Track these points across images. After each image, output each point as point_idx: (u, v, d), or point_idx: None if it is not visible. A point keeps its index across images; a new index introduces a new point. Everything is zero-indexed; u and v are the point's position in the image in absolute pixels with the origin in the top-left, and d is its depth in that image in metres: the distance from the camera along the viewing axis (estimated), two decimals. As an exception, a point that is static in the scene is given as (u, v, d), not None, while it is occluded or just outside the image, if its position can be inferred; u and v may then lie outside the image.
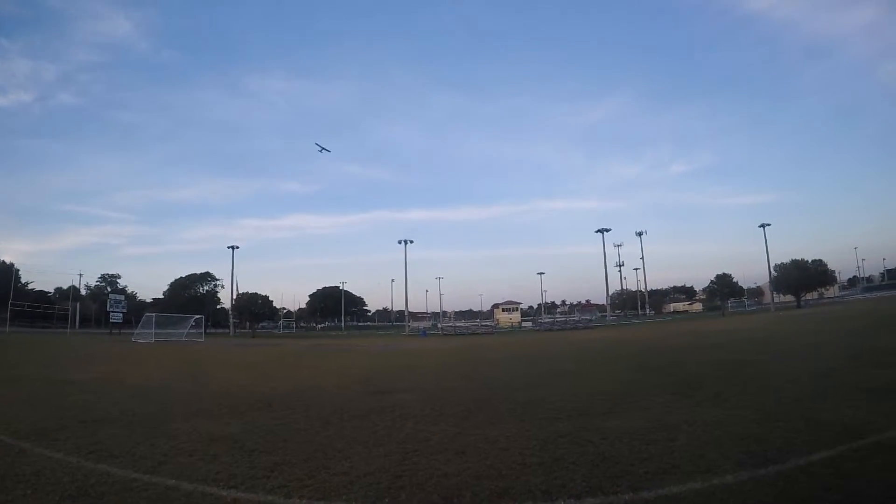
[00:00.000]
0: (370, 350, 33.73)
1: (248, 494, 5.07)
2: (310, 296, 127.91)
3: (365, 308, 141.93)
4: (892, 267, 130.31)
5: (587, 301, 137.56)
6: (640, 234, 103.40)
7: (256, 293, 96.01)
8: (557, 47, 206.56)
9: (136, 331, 52.61)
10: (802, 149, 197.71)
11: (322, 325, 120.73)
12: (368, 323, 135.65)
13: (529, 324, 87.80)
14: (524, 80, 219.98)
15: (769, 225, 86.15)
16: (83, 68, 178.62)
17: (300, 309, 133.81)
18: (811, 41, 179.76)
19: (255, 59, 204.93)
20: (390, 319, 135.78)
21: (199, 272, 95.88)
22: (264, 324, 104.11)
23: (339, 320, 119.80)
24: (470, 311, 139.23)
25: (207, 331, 66.96)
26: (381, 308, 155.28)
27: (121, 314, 72.76)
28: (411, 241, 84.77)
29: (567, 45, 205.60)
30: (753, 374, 12.47)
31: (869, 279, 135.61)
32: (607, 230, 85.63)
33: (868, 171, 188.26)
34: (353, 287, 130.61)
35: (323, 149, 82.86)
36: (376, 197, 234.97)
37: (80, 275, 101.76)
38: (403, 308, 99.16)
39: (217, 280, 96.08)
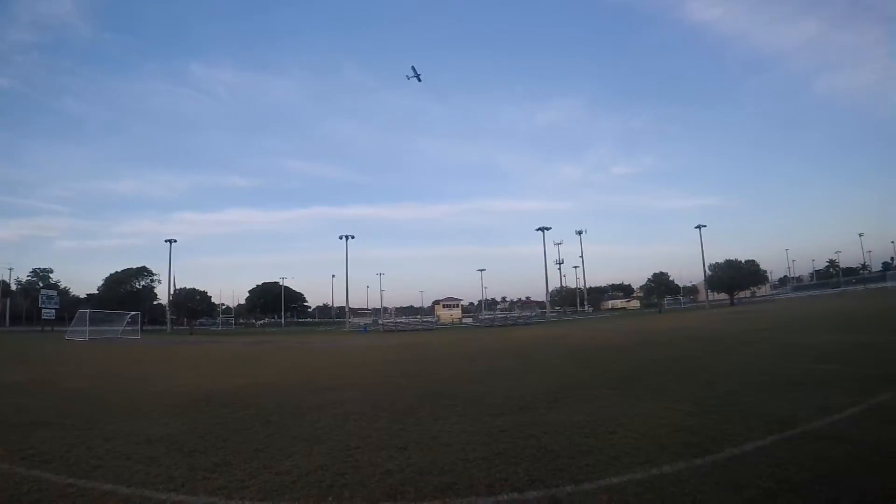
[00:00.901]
0: (311, 347, 33.58)
1: (188, 497, 5.00)
2: (249, 292, 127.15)
3: (305, 304, 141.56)
4: (821, 268, 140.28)
5: (527, 298, 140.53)
6: (580, 233, 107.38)
7: (194, 288, 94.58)
8: (508, 50, 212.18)
9: (70, 328, 49.97)
10: (740, 155, 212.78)
11: (262, 322, 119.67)
12: (309, 319, 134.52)
13: (470, 320, 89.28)
14: (474, 81, 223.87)
15: (705, 227, 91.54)
16: (17, 49, 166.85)
17: (239, 305, 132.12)
18: (754, 54, 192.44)
19: (203, 47, 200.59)
20: (331, 316, 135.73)
21: (135, 267, 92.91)
22: (202, 320, 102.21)
23: (279, 317, 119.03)
24: (411, 307, 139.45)
25: (144, 328, 64.50)
26: (321, 304, 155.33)
27: (53, 311, 69.44)
28: (352, 237, 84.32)
29: (518, 49, 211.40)
30: (689, 368, 13.10)
31: (798, 279, 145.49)
32: (548, 229, 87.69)
33: (800, 179, 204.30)
34: (293, 283, 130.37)
35: (416, 76, 79.25)
36: (319, 193, 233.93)
37: (11, 269, 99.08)
38: (344, 304, 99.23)
39: (154, 275, 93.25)
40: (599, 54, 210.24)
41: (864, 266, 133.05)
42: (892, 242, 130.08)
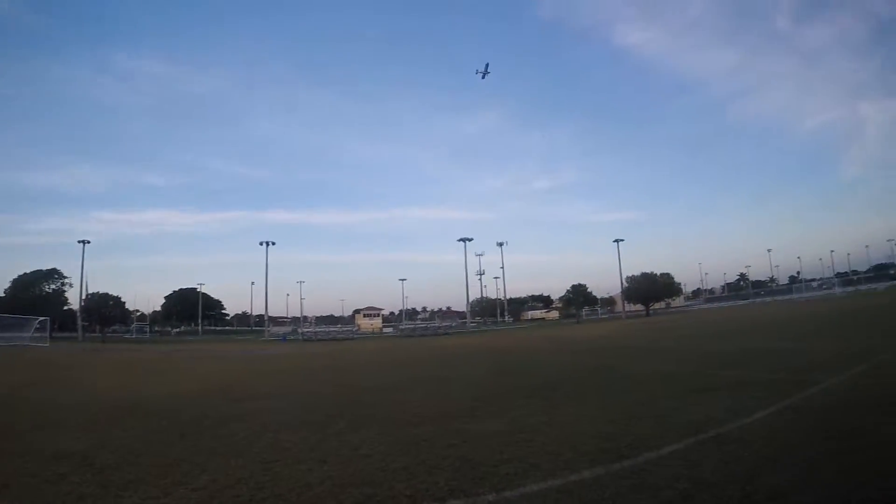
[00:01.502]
0: (229, 356, 32.95)
1: None
2: (165, 298, 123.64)
3: (223, 312, 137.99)
4: (731, 281, 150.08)
5: (448, 308, 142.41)
6: (500, 244, 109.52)
7: (108, 293, 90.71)
8: (440, 59, 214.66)
9: (-31, 335, 45.84)
10: (657, 173, 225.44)
11: (178, 330, 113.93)
12: (227, 327, 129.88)
13: (391, 330, 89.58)
14: (404, 87, 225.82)
15: (623, 240, 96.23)
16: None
17: (155, 312, 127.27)
18: (676, 78, 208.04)
19: (129, 35, 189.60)
20: (250, 324, 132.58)
21: (45, 269, 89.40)
22: (116, 327, 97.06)
23: (197, 324, 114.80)
24: (331, 316, 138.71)
25: (53, 335, 60.07)
26: (240, 312, 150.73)
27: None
28: (273, 243, 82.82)
29: (448, 59, 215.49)
30: (606, 376, 13.55)
31: (711, 291, 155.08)
32: (469, 239, 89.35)
33: (714, 197, 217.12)
34: (211, 290, 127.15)
35: (486, 72, 78.45)
36: (240, 196, 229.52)
37: None
38: (263, 312, 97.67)
39: (65, 278, 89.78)
40: (528, 69, 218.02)
41: (772, 279, 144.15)
42: (798, 258, 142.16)
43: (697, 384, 10.99)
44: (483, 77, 79.63)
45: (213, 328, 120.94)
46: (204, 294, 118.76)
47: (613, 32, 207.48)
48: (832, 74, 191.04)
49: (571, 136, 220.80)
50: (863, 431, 6.26)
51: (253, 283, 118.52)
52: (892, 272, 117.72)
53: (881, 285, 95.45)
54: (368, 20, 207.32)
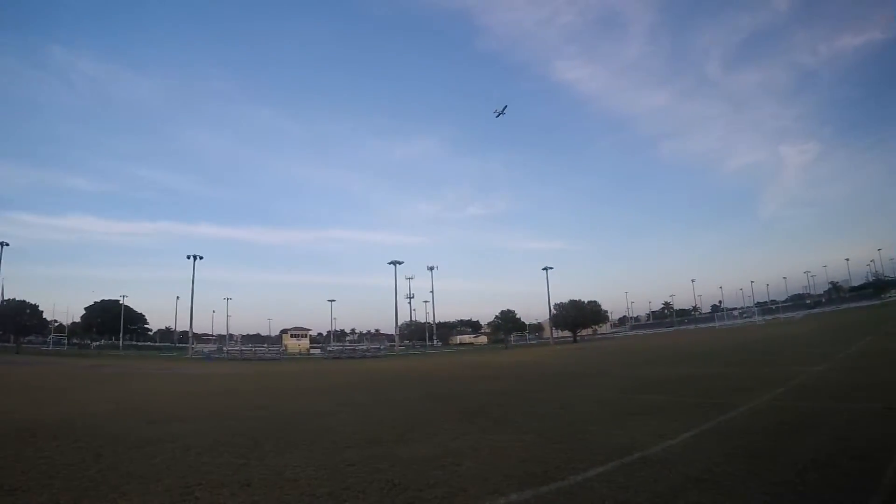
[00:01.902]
0: (150, 373, 31.67)
1: None
2: (86, 309, 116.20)
3: (146, 327, 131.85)
4: (657, 309, 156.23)
5: (377, 331, 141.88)
6: (431, 268, 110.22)
7: (25, 301, 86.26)
8: (376, 83, 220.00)
9: None
10: (587, 204, 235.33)
11: (98, 343, 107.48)
12: (149, 343, 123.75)
13: (318, 351, 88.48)
14: (342, 110, 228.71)
15: (552, 268, 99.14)
16: None
17: (74, 323, 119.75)
18: (609, 115, 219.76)
19: (66, 29, 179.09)
20: (173, 340, 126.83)
21: None
22: (31, 338, 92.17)
23: (118, 338, 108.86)
24: (258, 335, 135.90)
25: None
26: (163, 327, 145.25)
27: None
28: (201, 258, 79.87)
29: (386, 83, 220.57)
30: (533, 401, 13.71)
31: (636, 319, 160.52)
32: (400, 263, 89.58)
33: (642, 228, 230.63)
34: (134, 302, 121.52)
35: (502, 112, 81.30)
36: (169, 207, 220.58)
37: None
38: (188, 329, 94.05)
39: None
40: (465, 98, 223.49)
41: (695, 308, 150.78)
42: (720, 288, 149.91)
43: (622, 408, 11.31)
44: (497, 116, 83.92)
45: (134, 343, 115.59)
46: (126, 307, 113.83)
47: (552, 68, 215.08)
48: (756, 119, 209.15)
49: (505, 164, 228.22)
50: (779, 451, 6.56)
51: (178, 298, 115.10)
52: (807, 302, 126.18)
53: (798, 314, 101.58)
54: (309, 42, 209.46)
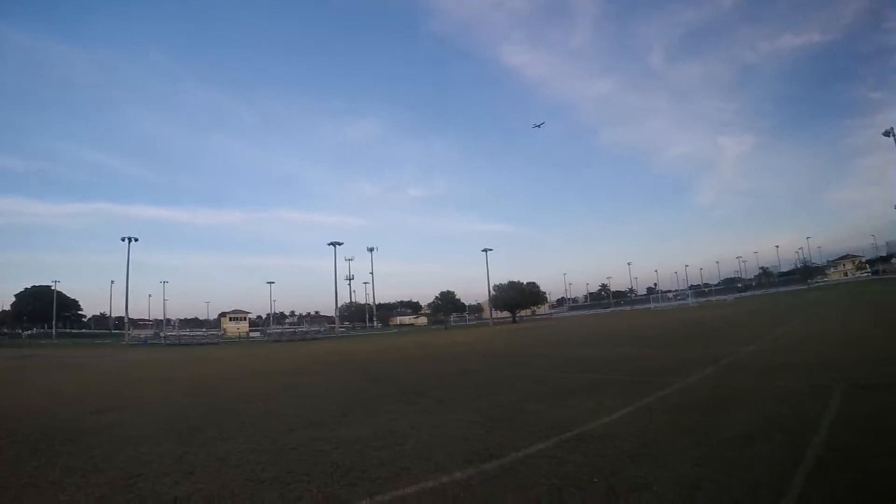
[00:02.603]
0: (85, 362, 30.64)
1: None
2: (16, 296, 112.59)
3: (80, 313, 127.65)
4: (594, 291, 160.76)
5: (317, 313, 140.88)
6: (371, 249, 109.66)
7: None
8: (323, 62, 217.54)
9: None
10: (527, 188, 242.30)
11: (29, 332, 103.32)
12: (84, 330, 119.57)
13: (258, 334, 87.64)
14: (284, 89, 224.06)
15: (491, 250, 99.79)
16: None
17: (3, 312, 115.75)
18: (552, 101, 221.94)
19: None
20: (109, 327, 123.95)
21: None
22: None
23: (50, 327, 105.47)
24: (196, 319, 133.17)
25: None
26: (98, 314, 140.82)
27: None
28: (136, 240, 76.38)
29: (332, 63, 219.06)
30: (474, 381, 13.97)
31: (574, 300, 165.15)
32: (340, 244, 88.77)
33: (581, 212, 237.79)
34: (67, 288, 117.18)
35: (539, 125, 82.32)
36: (102, 187, 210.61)
37: None
38: (123, 314, 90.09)
39: None
40: (411, 79, 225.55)
41: (631, 290, 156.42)
42: (656, 271, 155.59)
43: (560, 387, 11.65)
44: (535, 127, 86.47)
45: (68, 331, 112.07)
46: (59, 293, 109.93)
47: (499, 52, 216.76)
48: (697, 110, 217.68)
49: (448, 147, 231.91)
50: (711, 426, 6.95)
51: (113, 283, 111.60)
52: (739, 285, 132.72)
53: (730, 297, 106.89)
54: (252, 19, 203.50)
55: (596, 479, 5.12)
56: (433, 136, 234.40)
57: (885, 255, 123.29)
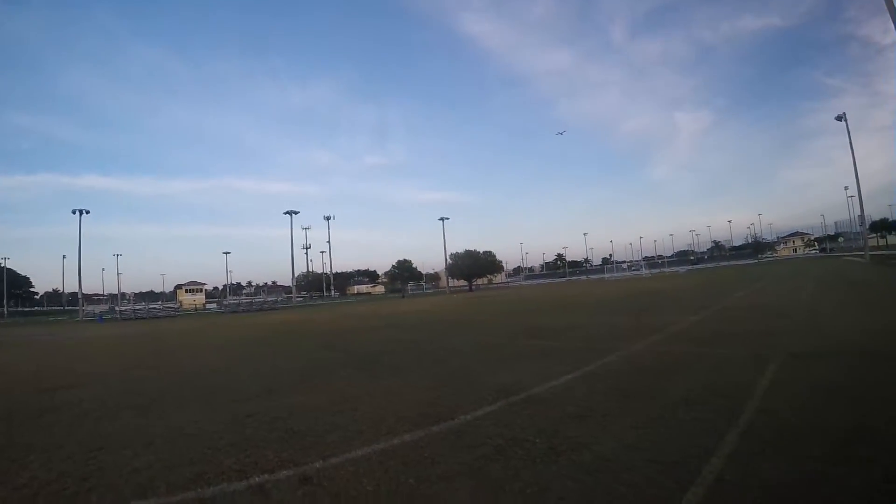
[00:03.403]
0: (39, 340, 29.83)
1: None
2: None
3: (32, 290, 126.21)
4: (550, 260, 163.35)
5: (274, 283, 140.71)
6: (328, 218, 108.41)
7: None
8: (273, 21, 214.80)
9: None
10: (484, 157, 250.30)
11: None
12: (37, 308, 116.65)
13: (215, 305, 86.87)
14: (234, 48, 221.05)
15: (448, 219, 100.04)
16: None
17: None
18: (510, 72, 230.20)
19: None
20: (62, 303, 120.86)
21: None
22: None
23: (1, 305, 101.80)
24: (151, 292, 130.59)
25: None
26: (50, 290, 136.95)
27: None
28: (87, 212, 73.55)
29: (282, 23, 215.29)
30: (427, 349, 14.26)
31: (531, 269, 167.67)
32: (296, 213, 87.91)
33: (538, 182, 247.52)
34: (16, 265, 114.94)
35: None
36: (48, 157, 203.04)
37: None
38: (77, 290, 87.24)
39: None
40: (366, 43, 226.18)
41: (586, 260, 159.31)
42: (611, 242, 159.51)
43: (511, 353, 12.08)
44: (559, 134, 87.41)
45: (20, 309, 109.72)
46: (9, 271, 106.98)
47: (457, 20, 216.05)
48: (654, 86, 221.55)
49: (405, 115, 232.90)
50: (653, 390, 7.33)
51: (65, 258, 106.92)
52: (692, 258, 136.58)
53: (682, 269, 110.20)
54: None
55: (538, 440, 5.42)
56: (389, 103, 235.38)
57: (832, 234, 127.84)
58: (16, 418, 8.47)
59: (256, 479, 4.92)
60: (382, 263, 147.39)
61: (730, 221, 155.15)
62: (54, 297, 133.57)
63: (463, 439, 5.65)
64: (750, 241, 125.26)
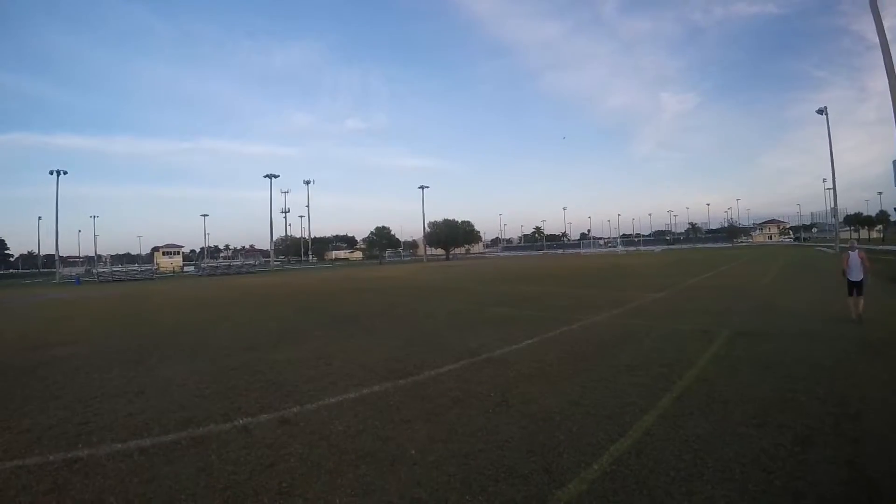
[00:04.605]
0: (19, 303, 29.36)
1: None
2: None
3: (7, 253, 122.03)
4: (528, 233, 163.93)
5: (252, 246, 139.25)
6: (307, 182, 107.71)
7: None
8: None
9: None
10: (465, 126, 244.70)
11: None
12: (12, 270, 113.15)
13: (192, 268, 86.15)
14: (211, 4, 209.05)
15: (427, 187, 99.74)
16: None
17: None
18: (496, 41, 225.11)
19: None
20: (37, 266, 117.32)
21: None
22: None
23: None
24: (128, 254, 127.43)
25: None
26: (25, 252, 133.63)
27: None
28: (65, 173, 71.58)
29: None
30: (399, 313, 14.90)
31: (509, 241, 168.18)
32: (276, 176, 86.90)
33: (518, 155, 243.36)
34: None
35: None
36: (18, 115, 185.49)
37: None
38: (52, 252, 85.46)
39: None
40: (350, 4, 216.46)
41: (564, 234, 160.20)
42: (589, 218, 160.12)
43: (477, 319, 12.82)
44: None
45: None
46: None
47: None
48: (641, 64, 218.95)
49: (387, 79, 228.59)
50: (602, 356, 7.99)
51: (40, 219, 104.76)
52: (667, 238, 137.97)
53: (657, 248, 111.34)
54: None
55: (493, 394, 6.09)
56: (372, 67, 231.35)
57: (808, 223, 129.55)
58: (10, 373, 8.88)
59: (241, 421, 5.55)
60: (361, 229, 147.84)
61: (708, 204, 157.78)
62: (29, 259, 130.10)
63: (425, 391, 6.33)
64: (726, 224, 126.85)
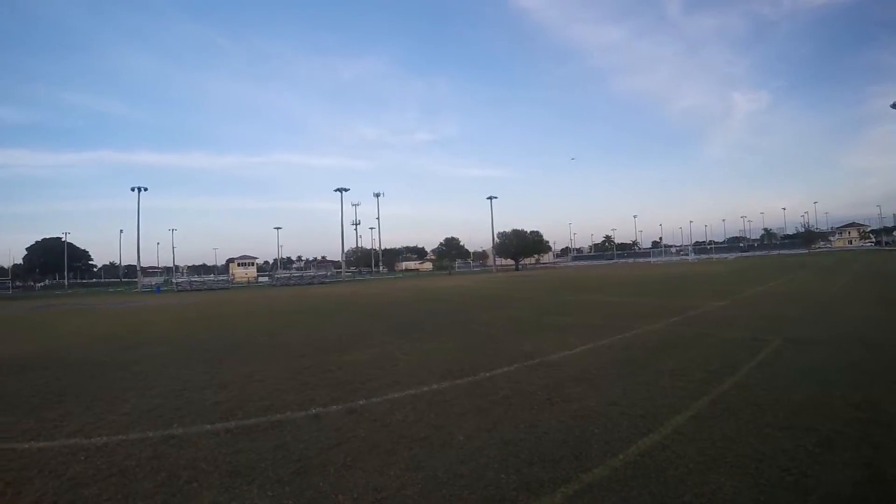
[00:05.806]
0: (105, 308, 31.64)
1: (51, 443, 5.61)
2: (27, 249, 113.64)
3: (91, 263, 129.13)
4: (598, 242, 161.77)
5: (323, 257, 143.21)
6: (377, 195, 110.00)
7: None
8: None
9: None
10: (534, 135, 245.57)
11: (42, 284, 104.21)
12: (95, 280, 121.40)
13: (266, 279, 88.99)
14: (280, 23, 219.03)
15: (496, 198, 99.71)
16: None
17: (15, 265, 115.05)
18: (562, 47, 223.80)
19: None
20: (119, 275, 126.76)
21: None
22: None
23: (62, 278, 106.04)
24: (204, 265, 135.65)
25: None
26: (108, 263, 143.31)
27: None
28: (145, 189, 75.67)
29: None
30: (462, 319, 15.54)
31: (579, 250, 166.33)
32: (346, 189, 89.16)
33: (587, 161, 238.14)
34: (76, 238, 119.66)
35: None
36: (101, 135, 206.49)
37: None
38: (133, 263, 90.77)
39: None
40: (416, 16, 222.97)
41: (635, 243, 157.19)
42: (660, 225, 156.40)
43: (536, 326, 13.32)
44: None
45: (80, 281, 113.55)
46: (70, 244, 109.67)
47: None
48: (710, 63, 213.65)
49: (454, 90, 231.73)
50: (649, 362, 8.34)
51: (122, 232, 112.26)
52: (742, 245, 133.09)
53: (731, 255, 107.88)
54: None
55: (540, 393, 6.62)
56: (437, 78, 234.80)
57: (890, 226, 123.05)
58: (108, 368, 10.01)
59: (313, 410, 6.32)
60: (431, 240, 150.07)
61: (784, 209, 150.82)
62: (111, 269, 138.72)
63: (478, 389, 6.95)
64: (802, 230, 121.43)
